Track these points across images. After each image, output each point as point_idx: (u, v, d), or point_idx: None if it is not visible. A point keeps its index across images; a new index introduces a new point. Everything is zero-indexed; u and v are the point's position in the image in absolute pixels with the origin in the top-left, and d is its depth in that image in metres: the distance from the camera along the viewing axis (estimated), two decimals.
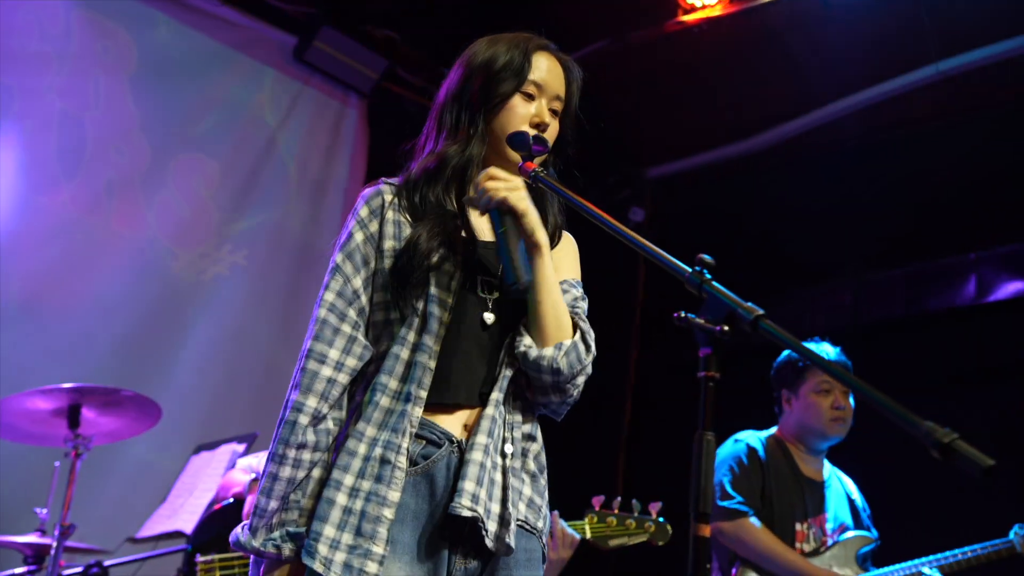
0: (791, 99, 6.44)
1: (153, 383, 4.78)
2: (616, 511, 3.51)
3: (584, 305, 2.18)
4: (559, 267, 2.16)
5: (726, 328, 1.62)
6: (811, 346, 3.90)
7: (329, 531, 1.90)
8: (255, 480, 3.06)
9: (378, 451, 1.95)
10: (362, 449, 1.96)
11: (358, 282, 2.04)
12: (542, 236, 2.04)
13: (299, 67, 5.97)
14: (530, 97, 2.16)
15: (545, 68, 2.18)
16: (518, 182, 2.03)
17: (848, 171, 6.37)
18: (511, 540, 1.98)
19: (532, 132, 2.13)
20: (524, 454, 2.09)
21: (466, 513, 1.93)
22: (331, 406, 1.99)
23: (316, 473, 1.96)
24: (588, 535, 3.45)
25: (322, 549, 1.89)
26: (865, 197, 6.20)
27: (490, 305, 2.08)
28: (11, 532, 3.74)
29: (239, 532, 1.97)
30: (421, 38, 6.26)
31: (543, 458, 2.14)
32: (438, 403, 2.01)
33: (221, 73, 5.67)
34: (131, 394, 3.62)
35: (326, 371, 1.98)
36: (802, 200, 6.46)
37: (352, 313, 2.03)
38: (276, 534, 1.94)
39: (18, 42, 4.99)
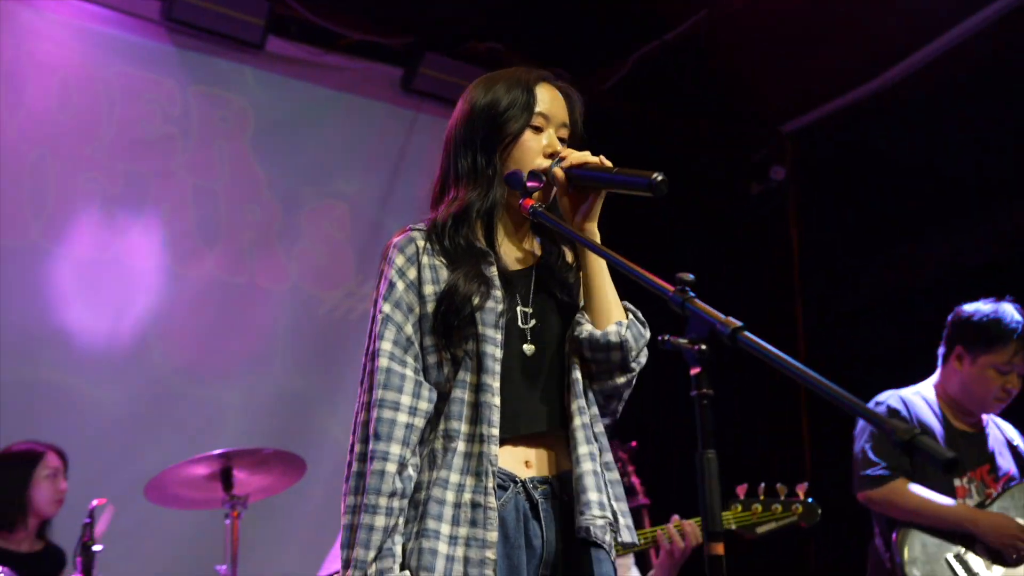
0: (918, 27, 6.18)
1: (316, 430, 5.04)
2: (762, 497, 3.49)
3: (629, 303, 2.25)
4: None
5: (703, 347, 1.62)
6: (999, 306, 3.79)
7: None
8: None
9: (467, 496, 2.01)
10: (450, 497, 2.01)
11: (409, 329, 2.10)
12: (595, 226, 2.16)
13: (408, 96, 6.13)
14: (539, 130, 2.20)
15: (549, 99, 2.23)
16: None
17: (997, 90, 6.05)
18: (628, 535, 2.09)
19: (542, 163, 2.17)
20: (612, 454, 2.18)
21: (599, 522, 2.04)
22: (412, 452, 2.04)
23: (401, 520, 2.03)
24: (733, 525, 3.44)
25: None
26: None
27: (528, 336, 2.15)
28: None
29: None
30: (523, 42, 6.32)
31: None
32: (503, 439, 2.08)
33: (335, 117, 5.89)
34: (272, 451, 3.83)
35: (402, 417, 2.03)
36: (951, 126, 6.18)
37: (411, 359, 2.09)
38: None
39: (144, 130, 5.34)
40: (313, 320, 5.61)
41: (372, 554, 1.97)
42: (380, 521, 1.99)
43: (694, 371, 1.65)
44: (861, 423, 3.92)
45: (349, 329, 5.68)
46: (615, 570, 2.15)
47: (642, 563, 4.24)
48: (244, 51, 5.62)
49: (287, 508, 4.95)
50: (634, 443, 4.85)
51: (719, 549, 1.59)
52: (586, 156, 2.14)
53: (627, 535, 2.09)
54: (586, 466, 2.06)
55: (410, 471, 2.04)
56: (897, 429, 1.37)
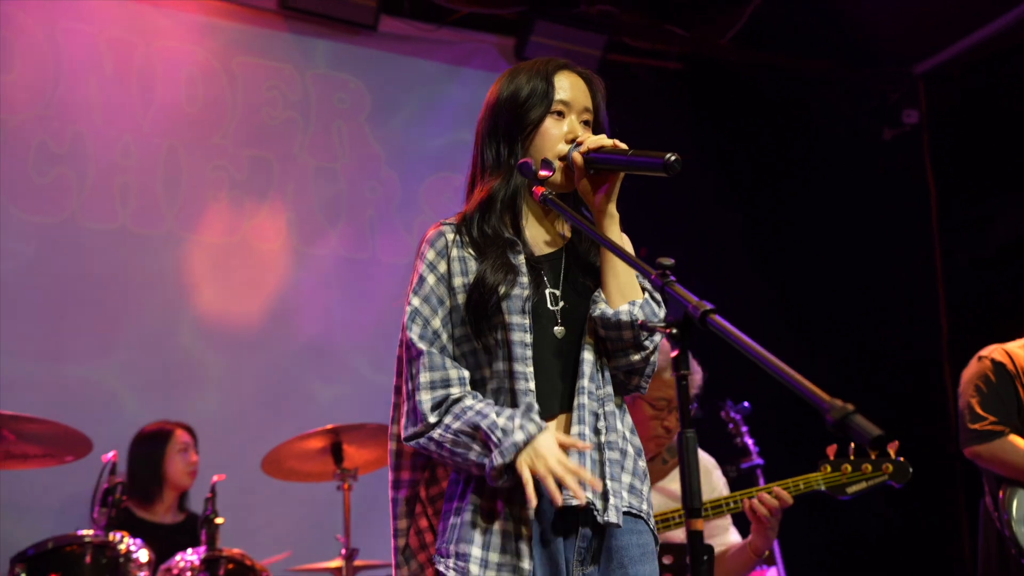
0: None
1: None
2: (852, 457, 3.46)
3: (647, 283, 2.24)
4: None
5: (674, 331, 1.67)
6: None
7: (476, 552, 2.08)
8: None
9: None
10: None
11: (436, 322, 2.19)
12: (615, 207, 2.20)
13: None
14: (560, 115, 2.26)
15: (568, 85, 2.28)
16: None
17: None
18: (614, 515, 2.08)
19: (563, 149, 2.23)
20: (622, 435, 2.19)
21: (573, 502, 2.06)
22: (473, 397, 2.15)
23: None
24: (823, 487, 3.42)
25: (473, 569, 2.06)
26: None
27: (558, 318, 2.21)
28: (325, 559, 4.23)
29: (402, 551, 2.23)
30: (638, 2, 6.30)
31: (638, 440, 2.25)
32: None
33: (449, 91, 6.01)
34: (376, 425, 4.00)
35: (455, 389, 2.13)
36: None
37: (436, 350, 2.17)
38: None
39: (267, 115, 5.58)
40: None
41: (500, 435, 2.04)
42: (490, 422, 2.07)
43: (673, 353, 1.70)
44: (966, 376, 3.82)
45: None
46: (656, 540, 2.21)
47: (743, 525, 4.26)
48: (358, 32, 5.79)
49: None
50: (747, 403, 4.84)
51: (698, 525, 1.64)
52: (602, 140, 2.19)
53: (613, 515, 2.09)
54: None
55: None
56: (832, 408, 1.40)
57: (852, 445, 3.49)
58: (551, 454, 2.01)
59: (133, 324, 5.08)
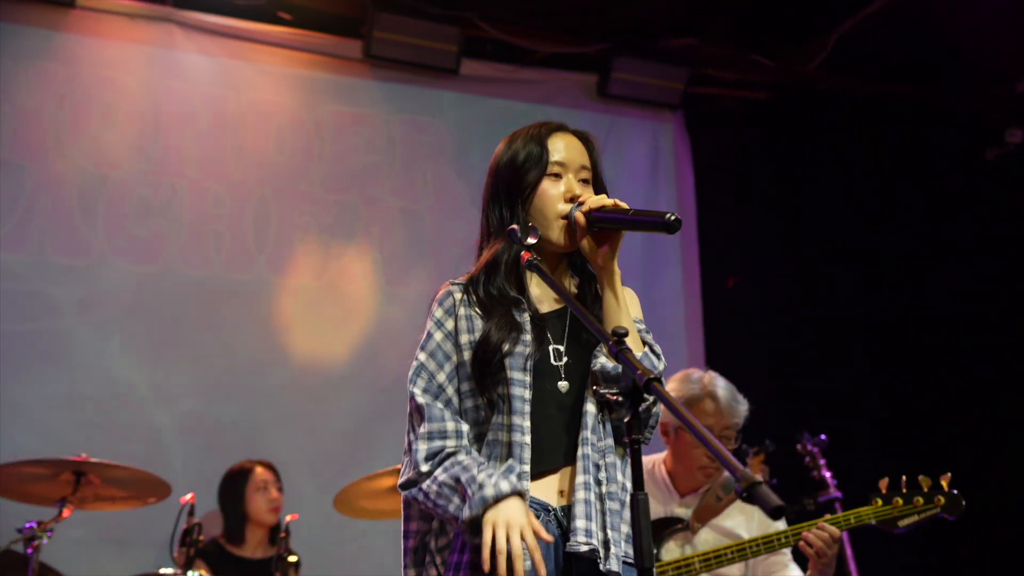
0: None
1: None
2: (904, 490, 3.43)
3: (649, 337, 2.33)
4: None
5: (619, 399, 1.77)
6: None
7: None
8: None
9: None
10: None
11: (442, 376, 2.30)
12: (616, 265, 2.31)
13: (605, 102, 6.28)
14: (557, 177, 2.37)
15: (563, 146, 2.41)
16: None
17: None
18: (615, 565, 2.15)
19: (563, 208, 2.33)
20: (622, 486, 2.25)
21: (583, 548, 2.14)
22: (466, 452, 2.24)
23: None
24: (873, 520, 3.41)
25: None
26: None
27: (562, 373, 2.29)
28: None
29: None
30: (718, 33, 6.30)
31: None
32: (537, 473, 2.23)
33: (523, 126, 6.11)
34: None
35: (450, 442, 2.23)
36: None
37: (440, 403, 2.28)
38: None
39: (352, 161, 5.80)
40: None
41: (481, 475, 2.13)
42: (466, 462, 2.18)
43: (625, 419, 1.79)
44: None
45: None
46: None
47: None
48: (441, 76, 5.97)
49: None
50: (824, 436, 4.80)
51: None
52: (603, 199, 2.29)
53: (614, 564, 2.15)
54: (579, 495, 2.18)
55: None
56: (743, 478, 1.48)
57: (904, 478, 3.45)
58: (515, 521, 2.07)
59: (225, 365, 5.32)
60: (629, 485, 2.27)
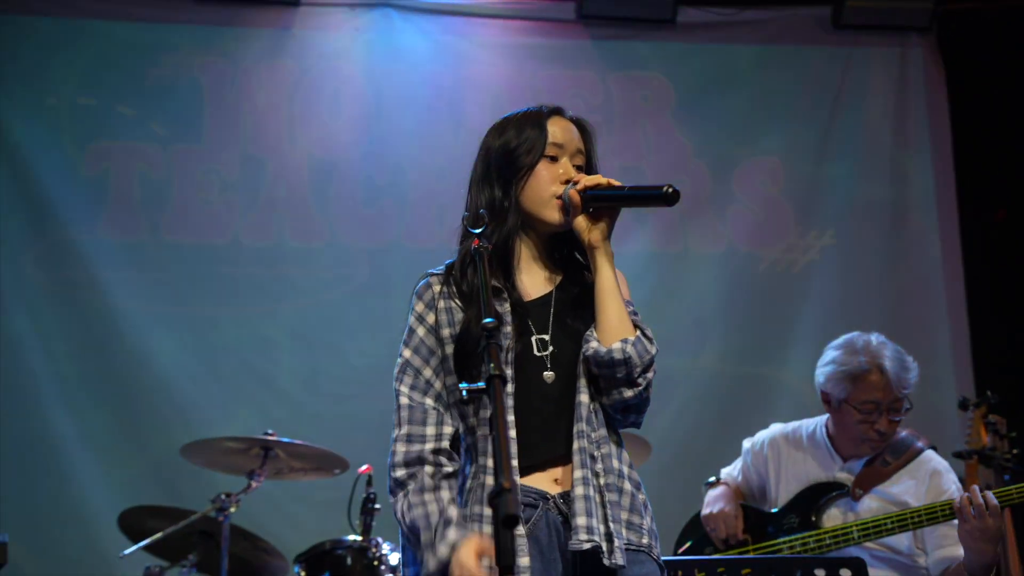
0: None
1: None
2: None
3: (639, 319, 2.25)
4: None
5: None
6: None
7: None
8: None
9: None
10: (487, 529, 2.11)
11: (428, 372, 2.24)
12: (608, 245, 2.25)
13: (840, 34, 5.88)
14: (553, 159, 2.29)
15: (561, 129, 2.34)
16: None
17: None
18: (620, 557, 2.10)
19: (558, 189, 2.27)
20: (619, 474, 2.20)
21: (586, 546, 2.09)
22: (436, 467, 2.17)
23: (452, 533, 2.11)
24: None
25: None
26: None
27: (547, 363, 2.22)
28: None
29: None
30: None
31: (636, 475, 2.25)
32: (529, 466, 2.17)
33: (758, 73, 5.86)
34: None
35: (429, 446, 2.18)
36: None
37: (430, 401, 2.23)
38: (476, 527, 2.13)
39: None
40: (753, 281, 5.68)
41: (440, 526, 2.09)
42: (431, 507, 2.12)
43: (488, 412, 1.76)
44: None
45: (792, 283, 5.68)
46: (660, 568, 2.20)
47: None
48: (657, 28, 5.83)
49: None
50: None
51: None
52: (597, 178, 2.25)
53: (619, 557, 2.09)
54: (578, 490, 2.13)
55: (445, 481, 2.18)
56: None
57: None
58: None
59: None
60: (626, 470, 2.21)
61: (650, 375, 2.18)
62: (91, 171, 5.46)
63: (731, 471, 3.72)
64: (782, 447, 3.60)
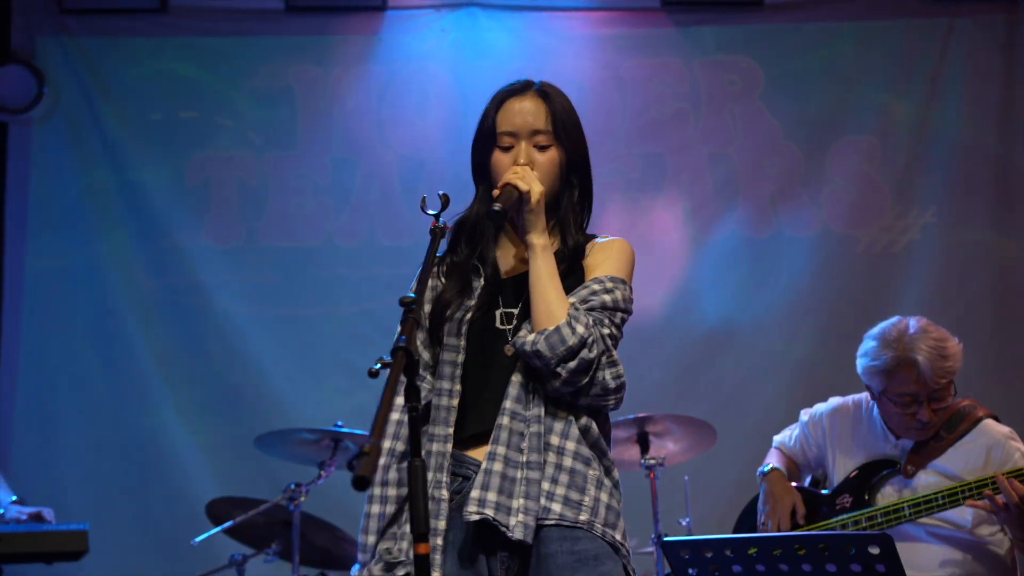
0: None
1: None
2: None
3: (606, 298, 2.21)
4: (591, 269, 2.29)
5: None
6: None
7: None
8: None
9: (431, 491, 2.16)
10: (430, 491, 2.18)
11: (415, 344, 2.28)
12: (536, 238, 2.21)
13: (939, 4, 5.65)
14: (507, 148, 2.32)
15: (514, 111, 2.36)
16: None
17: None
18: (520, 532, 2.09)
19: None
20: (558, 451, 2.17)
21: (474, 518, 2.11)
22: (405, 443, 2.22)
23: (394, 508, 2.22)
24: None
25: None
26: None
27: (509, 337, 2.24)
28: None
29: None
30: None
31: (598, 448, 2.21)
32: (472, 436, 2.22)
33: (851, 50, 5.73)
34: (678, 417, 4.07)
35: (394, 415, 2.23)
36: None
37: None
38: (377, 567, 2.18)
39: (656, 112, 5.73)
40: (850, 262, 5.52)
41: (372, 539, 2.19)
42: (375, 509, 2.21)
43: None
44: None
45: (892, 263, 5.51)
46: (609, 545, 2.16)
47: None
48: (745, 11, 5.73)
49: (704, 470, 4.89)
50: None
51: (423, 549, 1.66)
52: (507, 177, 2.24)
53: (519, 532, 2.09)
54: (484, 464, 2.15)
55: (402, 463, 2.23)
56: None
57: None
58: None
59: None
60: (571, 446, 2.18)
61: (572, 364, 2.11)
62: (193, 181, 5.70)
63: (786, 440, 3.62)
64: (841, 421, 3.49)
